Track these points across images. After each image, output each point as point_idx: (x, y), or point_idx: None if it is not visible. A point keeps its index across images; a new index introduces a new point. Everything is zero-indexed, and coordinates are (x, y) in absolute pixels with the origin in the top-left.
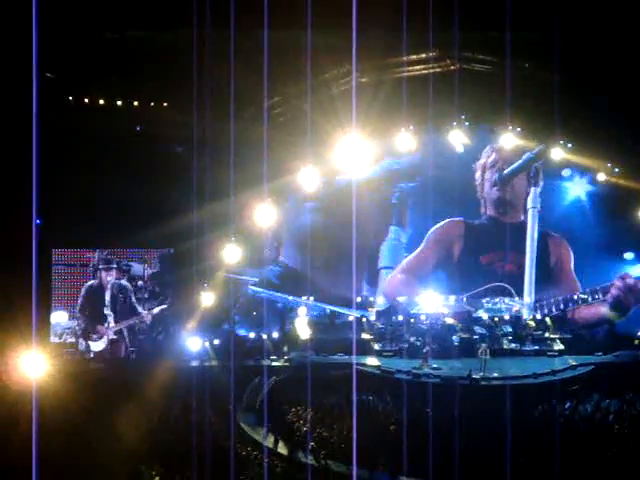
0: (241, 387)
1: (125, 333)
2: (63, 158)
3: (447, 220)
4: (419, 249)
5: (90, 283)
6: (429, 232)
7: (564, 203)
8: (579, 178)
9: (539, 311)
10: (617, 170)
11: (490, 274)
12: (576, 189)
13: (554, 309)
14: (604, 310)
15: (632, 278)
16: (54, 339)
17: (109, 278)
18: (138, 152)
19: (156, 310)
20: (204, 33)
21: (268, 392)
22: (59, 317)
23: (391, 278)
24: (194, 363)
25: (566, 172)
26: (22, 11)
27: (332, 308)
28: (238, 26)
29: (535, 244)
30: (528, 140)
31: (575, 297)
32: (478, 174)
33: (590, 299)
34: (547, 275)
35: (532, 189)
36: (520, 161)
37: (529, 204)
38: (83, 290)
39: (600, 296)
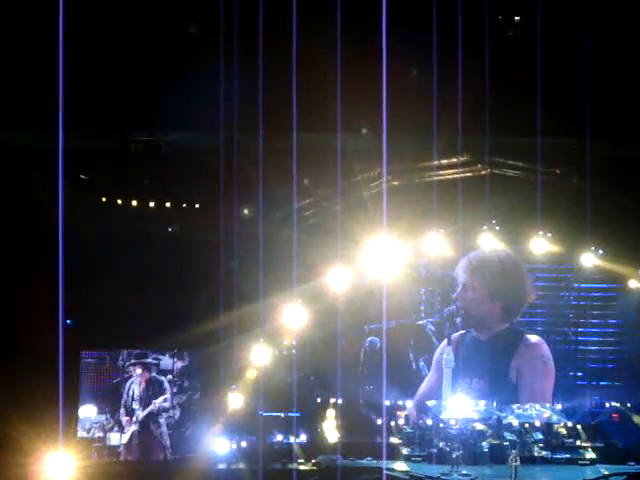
0: None
1: (152, 426)
2: (96, 259)
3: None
4: (430, 373)
5: (131, 380)
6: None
7: None
8: None
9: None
10: None
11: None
12: None
13: None
14: None
15: None
16: (82, 434)
17: (139, 371)
18: (169, 254)
19: (159, 400)
20: (236, 136)
21: None
22: (88, 411)
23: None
24: (221, 465)
25: None
26: (52, 109)
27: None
28: (269, 128)
29: None
30: (558, 245)
31: None
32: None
33: None
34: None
35: None
36: None
37: None
38: (124, 387)
39: None
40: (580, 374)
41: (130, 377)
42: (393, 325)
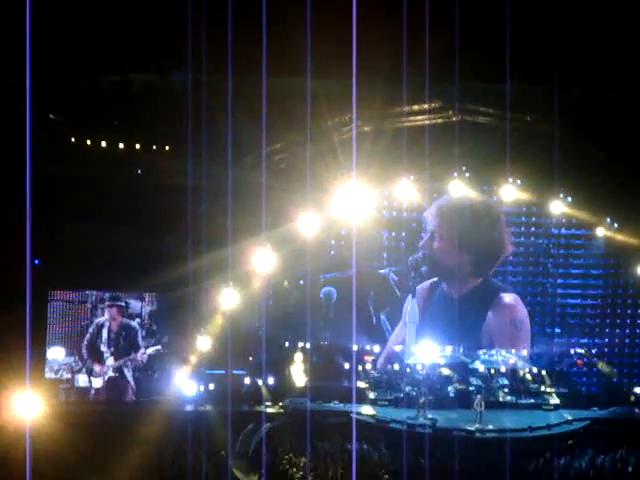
0: (235, 433)
1: (126, 371)
2: (64, 200)
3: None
4: (397, 327)
5: (99, 320)
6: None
7: None
8: None
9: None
10: (616, 225)
11: None
12: None
13: None
14: None
15: None
16: (50, 375)
17: (113, 314)
18: (138, 196)
19: (150, 350)
20: (207, 79)
21: (262, 438)
22: (56, 353)
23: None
24: (189, 407)
25: None
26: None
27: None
28: (239, 72)
29: None
30: (528, 192)
31: None
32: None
33: None
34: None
35: None
36: None
37: None
38: (92, 327)
39: None
40: (558, 330)
41: (99, 318)
42: (350, 274)
